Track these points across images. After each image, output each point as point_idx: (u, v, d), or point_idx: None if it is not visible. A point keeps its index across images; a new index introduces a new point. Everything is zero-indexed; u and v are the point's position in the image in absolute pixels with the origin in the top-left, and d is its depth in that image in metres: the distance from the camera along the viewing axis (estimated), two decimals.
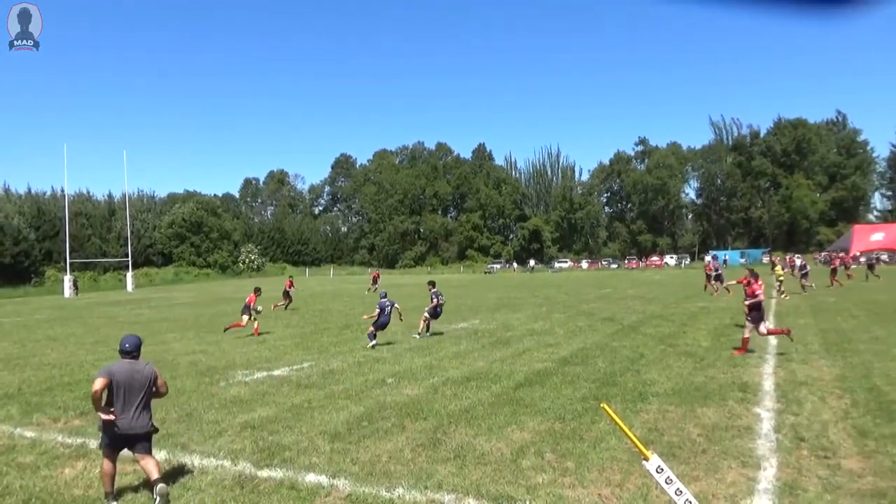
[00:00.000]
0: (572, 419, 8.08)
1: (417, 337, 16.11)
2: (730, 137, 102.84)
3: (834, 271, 33.33)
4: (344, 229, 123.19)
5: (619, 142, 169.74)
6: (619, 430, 5.61)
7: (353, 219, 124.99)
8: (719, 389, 9.55)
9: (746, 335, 12.74)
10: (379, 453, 6.94)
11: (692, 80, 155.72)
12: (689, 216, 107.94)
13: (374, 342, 14.76)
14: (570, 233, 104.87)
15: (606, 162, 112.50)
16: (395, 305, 15.38)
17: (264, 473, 6.44)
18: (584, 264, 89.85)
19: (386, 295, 15.73)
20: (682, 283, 39.26)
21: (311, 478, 6.28)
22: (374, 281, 40.52)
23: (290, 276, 35.35)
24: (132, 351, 6.03)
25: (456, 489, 5.89)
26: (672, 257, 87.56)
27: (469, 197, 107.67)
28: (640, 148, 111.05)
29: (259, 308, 18.16)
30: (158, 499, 5.71)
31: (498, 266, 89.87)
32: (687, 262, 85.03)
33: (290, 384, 10.73)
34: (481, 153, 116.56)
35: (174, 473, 6.50)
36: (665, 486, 3.88)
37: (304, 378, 11.19)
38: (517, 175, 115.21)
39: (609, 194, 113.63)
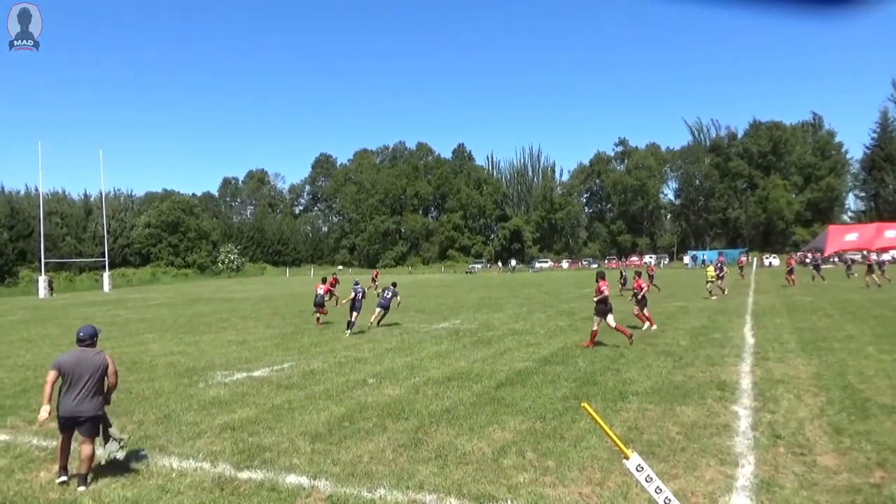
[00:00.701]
0: (553, 418, 8.12)
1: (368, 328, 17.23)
2: (707, 139, 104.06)
3: (790, 271, 34.78)
4: (324, 229, 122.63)
5: (599, 142, 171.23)
6: (599, 429, 5.65)
7: (334, 219, 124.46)
8: (698, 388, 9.65)
9: (595, 328, 13.93)
10: (360, 454, 6.91)
11: (671, 81, 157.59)
12: (668, 216, 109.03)
13: (349, 331, 16.34)
14: (551, 233, 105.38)
15: (587, 162, 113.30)
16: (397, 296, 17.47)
17: (244, 475, 6.38)
18: (565, 264, 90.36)
19: (358, 283, 16.92)
20: (661, 284, 39.70)
21: (292, 479, 6.24)
22: (374, 280, 40.84)
23: (334, 274, 35.79)
24: (86, 339, 6.45)
25: (437, 489, 5.88)
26: (651, 257, 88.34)
27: (450, 197, 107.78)
28: (619, 149, 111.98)
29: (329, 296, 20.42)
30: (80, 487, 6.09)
31: (479, 266, 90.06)
32: (666, 262, 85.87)
33: (270, 385, 10.66)
34: (461, 153, 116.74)
35: (152, 475, 6.42)
36: (645, 485, 3.91)
37: (285, 379, 11.12)
38: (498, 175, 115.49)
39: (589, 195, 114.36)
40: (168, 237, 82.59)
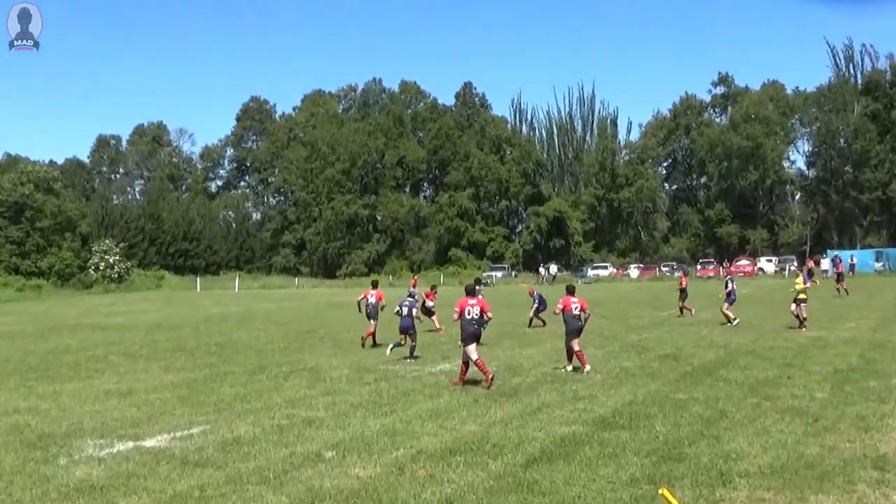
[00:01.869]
0: None
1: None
2: (860, 74, 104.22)
3: None
4: (256, 216, 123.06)
5: (685, 81, 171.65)
6: None
7: (271, 200, 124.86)
8: (843, 466, 9.63)
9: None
10: None
11: None
12: (797, 197, 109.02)
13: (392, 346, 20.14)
14: (612, 222, 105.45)
15: (667, 112, 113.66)
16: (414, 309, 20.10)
17: None
18: (634, 272, 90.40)
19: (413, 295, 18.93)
20: (785, 300, 39.70)
21: None
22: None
23: (413, 276, 37.35)
24: None
25: None
26: (770, 260, 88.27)
27: (453, 166, 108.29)
28: (720, 90, 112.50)
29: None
30: None
31: (499, 274, 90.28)
32: (794, 268, 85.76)
33: (171, 461, 10.63)
34: (470, 98, 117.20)
35: None
36: None
37: (195, 451, 11.11)
38: (528, 132, 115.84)
39: (671, 162, 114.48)
40: (7, 229, 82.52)
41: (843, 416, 12.44)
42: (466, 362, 16.55)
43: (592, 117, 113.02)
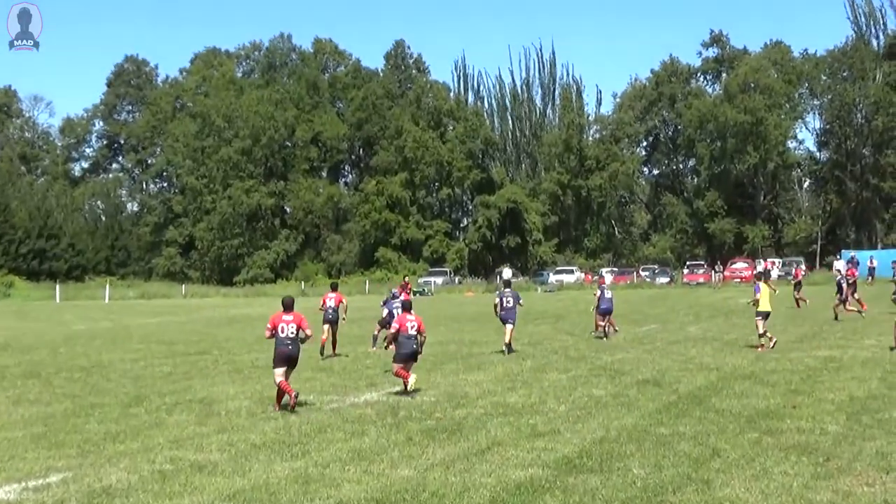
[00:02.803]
0: None
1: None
2: (882, 34, 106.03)
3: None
4: (132, 208, 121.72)
5: (669, 42, 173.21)
6: None
7: (151, 186, 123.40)
8: None
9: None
10: None
11: None
12: (805, 185, 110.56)
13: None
14: (579, 216, 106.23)
15: (646, 80, 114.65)
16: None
17: None
18: (607, 276, 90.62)
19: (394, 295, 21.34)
20: (790, 314, 40.25)
21: None
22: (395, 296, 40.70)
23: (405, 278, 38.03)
24: None
25: None
26: (773, 263, 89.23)
27: (382, 145, 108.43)
28: (711, 52, 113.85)
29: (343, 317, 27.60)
30: None
31: (440, 280, 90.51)
32: (803, 273, 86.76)
33: None
34: (402, 60, 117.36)
35: None
36: None
37: None
38: (476, 102, 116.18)
39: (652, 141, 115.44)
40: None
41: (861, 454, 12.59)
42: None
43: (554, 85, 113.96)
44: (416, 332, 18.97)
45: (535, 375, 21.98)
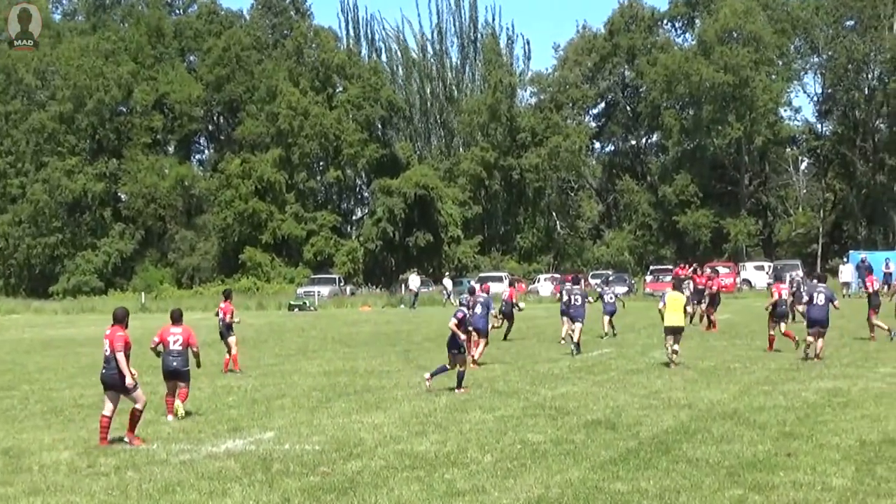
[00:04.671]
0: None
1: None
2: None
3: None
4: None
5: None
6: None
7: None
8: None
9: None
10: None
11: None
12: (803, 166, 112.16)
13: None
14: (510, 205, 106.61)
15: (598, 27, 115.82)
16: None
17: None
18: (545, 285, 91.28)
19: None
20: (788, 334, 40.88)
21: None
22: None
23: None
24: None
25: None
26: (762, 266, 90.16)
27: (248, 111, 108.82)
28: None
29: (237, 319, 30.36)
30: None
31: (326, 291, 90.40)
32: (799, 277, 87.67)
33: None
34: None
35: None
36: None
37: None
38: (371, 56, 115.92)
39: (606, 108, 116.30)
40: None
41: None
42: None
43: (476, 34, 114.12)
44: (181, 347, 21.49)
45: (451, 416, 21.86)
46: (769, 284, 53.06)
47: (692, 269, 57.84)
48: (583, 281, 42.87)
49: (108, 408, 18.99)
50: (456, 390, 25.18)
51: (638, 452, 17.19)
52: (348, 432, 20.14)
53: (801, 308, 36.23)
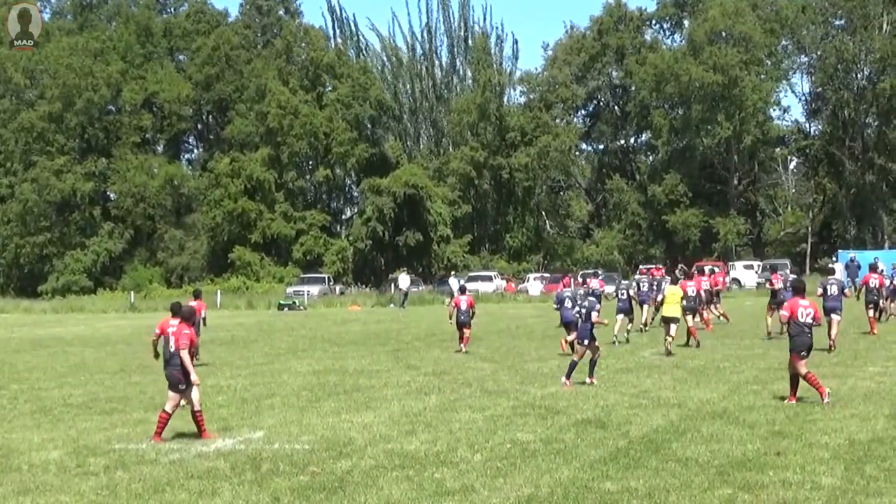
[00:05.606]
0: None
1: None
2: None
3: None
4: None
5: None
6: None
7: None
8: None
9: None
10: None
11: None
12: (792, 166, 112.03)
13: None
14: (500, 205, 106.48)
15: (584, 28, 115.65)
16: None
17: None
18: (535, 285, 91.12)
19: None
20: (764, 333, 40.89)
21: None
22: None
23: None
24: None
25: None
26: (751, 265, 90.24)
27: (238, 111, 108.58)
28: None
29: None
30: None
31: (315, 290, 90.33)
32: (790, 277, 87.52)
33: None
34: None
35: None
36: None
37: None
38: (361, 54, 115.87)
39: (595, 108, 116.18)
40: None
41: None
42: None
43: (466, 33, 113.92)
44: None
45: (441, 416, 21.86)
46: (768, 277, 51.95)
47: (679, 269, 57.88)
48: (573, 280, 42.53)
49: (169, 405, 19.32)
50: (587, 380, 25.87)
51: (628, 451, 17.24)
52: (338, 432, 20.13)
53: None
